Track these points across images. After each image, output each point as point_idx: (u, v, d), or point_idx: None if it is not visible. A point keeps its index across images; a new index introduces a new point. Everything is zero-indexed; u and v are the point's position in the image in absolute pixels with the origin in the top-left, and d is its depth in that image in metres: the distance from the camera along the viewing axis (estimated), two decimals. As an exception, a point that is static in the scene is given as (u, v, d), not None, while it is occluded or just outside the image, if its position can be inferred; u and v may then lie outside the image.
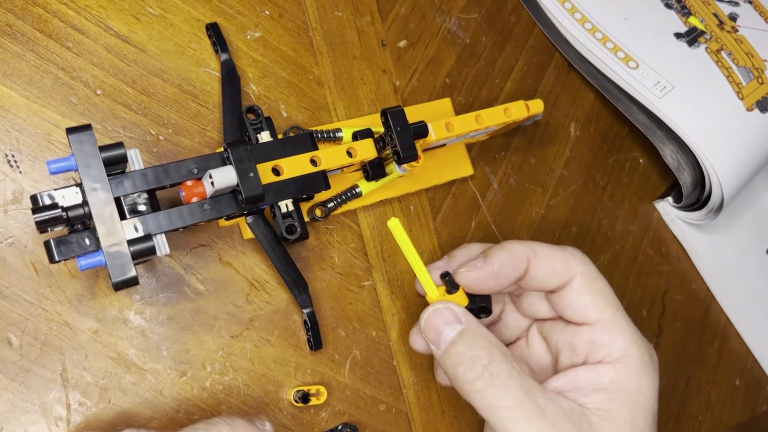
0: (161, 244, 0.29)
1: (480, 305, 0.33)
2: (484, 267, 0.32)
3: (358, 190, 0.37)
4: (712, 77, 0.48)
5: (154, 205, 0.30)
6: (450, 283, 0.32)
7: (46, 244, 0.28)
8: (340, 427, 0.36)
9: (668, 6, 0.50)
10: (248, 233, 0.35)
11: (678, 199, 0.50)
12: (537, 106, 0.40)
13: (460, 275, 0.32)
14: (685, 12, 0.50)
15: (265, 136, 0.34)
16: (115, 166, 0.29)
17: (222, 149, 0.34)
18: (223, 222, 0.35)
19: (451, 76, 0.44)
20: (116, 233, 0.28)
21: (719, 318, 0.52)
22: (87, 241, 0.28)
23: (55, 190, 0.29)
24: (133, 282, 0.28)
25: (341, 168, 0.36)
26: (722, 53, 0.49)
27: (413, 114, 0.40)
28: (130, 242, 0.28)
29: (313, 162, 0.33)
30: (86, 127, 0.28)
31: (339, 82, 0.40)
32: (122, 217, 0.29)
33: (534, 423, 0.28)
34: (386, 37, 0.42)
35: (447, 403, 0.39)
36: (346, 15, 0.41)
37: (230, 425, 0.29)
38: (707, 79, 0.48)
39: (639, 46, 0.48)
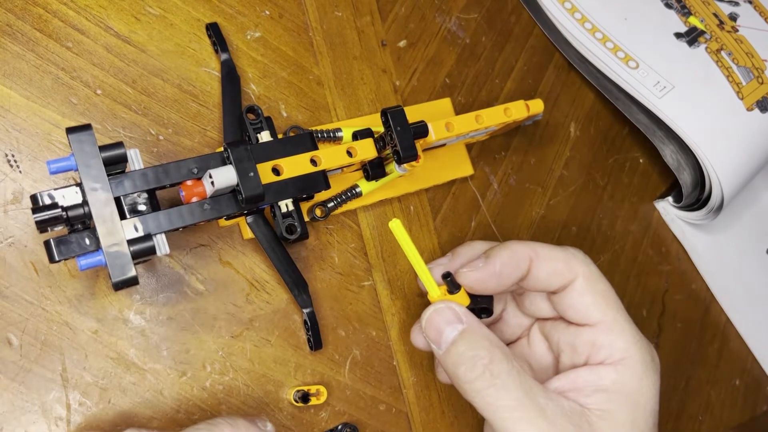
0: (161, 243, 0.29)
1: (481, 306, 0.33)
2: (486, 267, 0.32)
3: (358, 189, 0.37)
4: (712, 77, 0.48)
5: (154, 204, 0.30)
6: (451, 284, 0.32)
7: (46, 243, 0.28)
8: (340, 427, 0.36)
9: (668, 6, 0.50)
10: (248, 233, 0.35)
11: (678, 199, 0.50)
12: (537, 106, 0.40)
13: (462, 275, 0.32)
14: (685, 12, 0.50)
15: (265, 136, 0.34)
16: (115, 165, 0.29)
17: (222, 149, 0.34)
18: (223, 222, 0.35)
19: (451, 76, 0.44)
20: (116, 233, 0.28)
21: (719, 318, 0.52)
22: (87, 241, 0.28)
23: (55, 189, 0.29)
24: (133, 282, 0.28)
25: (341, 168, 0.36)
26: (722, 53, 0.49)
27: (413, 114, 0.40)
28: (130, 242, 0.28)
29: (313, 162, 0.33)
30: (86, 127, 0.28)
31: (339, 82, 0.40)
32: (122, 216, 0.29)
33: (534, 422, 0.28)
34: (386, 37, 0.42)
35: (447, 403, 0.39)
36: (346, 15, 0.41)
37: (232, 425, 0.29)
38: (707, 79, 0.48)
39: (639, 46, 0.48)
